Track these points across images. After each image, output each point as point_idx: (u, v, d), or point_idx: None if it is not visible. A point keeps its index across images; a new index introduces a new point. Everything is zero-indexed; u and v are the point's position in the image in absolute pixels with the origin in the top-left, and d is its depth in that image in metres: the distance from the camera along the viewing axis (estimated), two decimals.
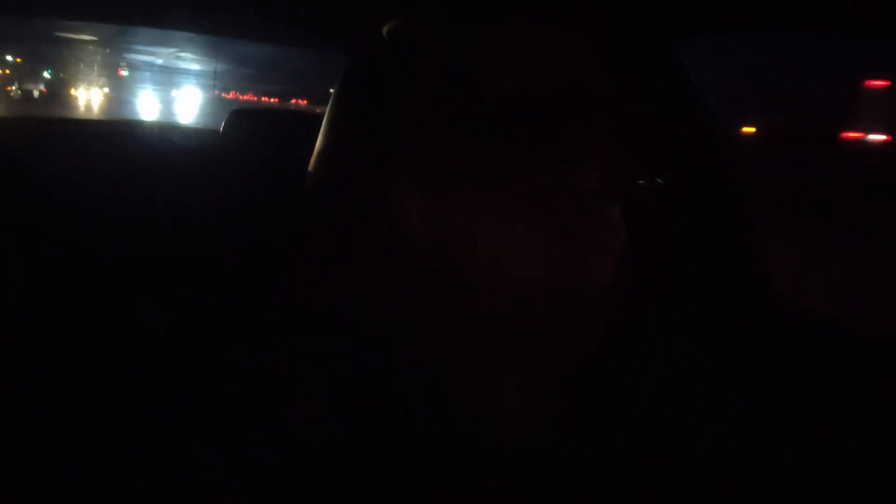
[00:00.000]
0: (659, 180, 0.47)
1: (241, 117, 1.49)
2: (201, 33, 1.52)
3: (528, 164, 0.42)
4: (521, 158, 0.42)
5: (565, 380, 0.48)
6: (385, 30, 0.57)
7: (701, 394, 0.50)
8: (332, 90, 0.63)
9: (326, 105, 0.61)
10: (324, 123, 0.62)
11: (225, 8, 1.19)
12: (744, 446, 0.49)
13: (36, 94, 18.89)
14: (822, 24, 0.72)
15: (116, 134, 1.65)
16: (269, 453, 0.45)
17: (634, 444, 0.47)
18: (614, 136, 0.44)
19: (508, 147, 0.43)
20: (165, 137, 1.81)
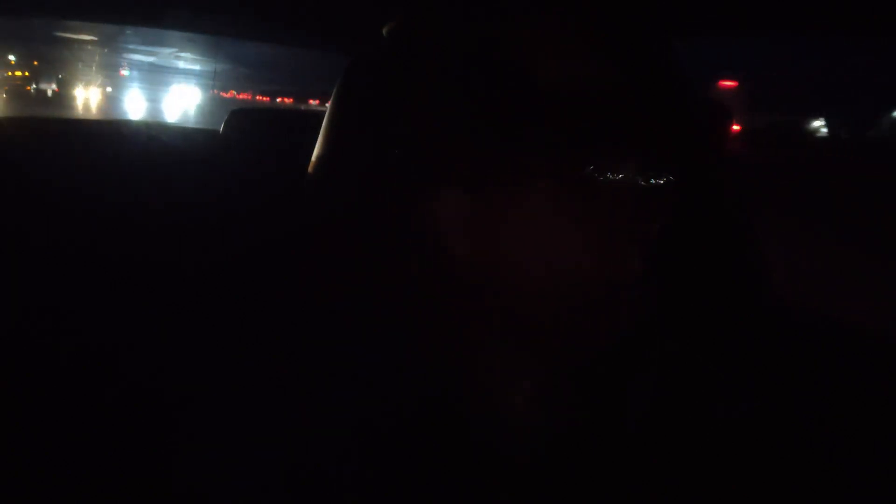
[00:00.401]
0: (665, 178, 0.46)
1: (241, 117, 1.49)
2: (201, 33, 1.52)
3: (562, 161, 0.42)
4: (555, 155, 0.42)
5: (570, 380, 0.48)
6: (385, 30, 0.57)
7: (701, 394, 0.50)
8: (329, 88, 0.63)
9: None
10: (324, 124, 0.62)
11: (225, 8, 1.19)
12: (744, 446, 0.49)
13: (49, 93, 21.14)
14: (822, 24, 0.72)
15: (116, 134, 1.65)
16: (270, 454, 0.45)
17: (634, 444, 0.47)
18: (632, 132, 0.44)
19: (542, 144, 0.43)
20: (165, 138, 1.81)
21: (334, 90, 0.60)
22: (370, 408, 0.46)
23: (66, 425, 0.68)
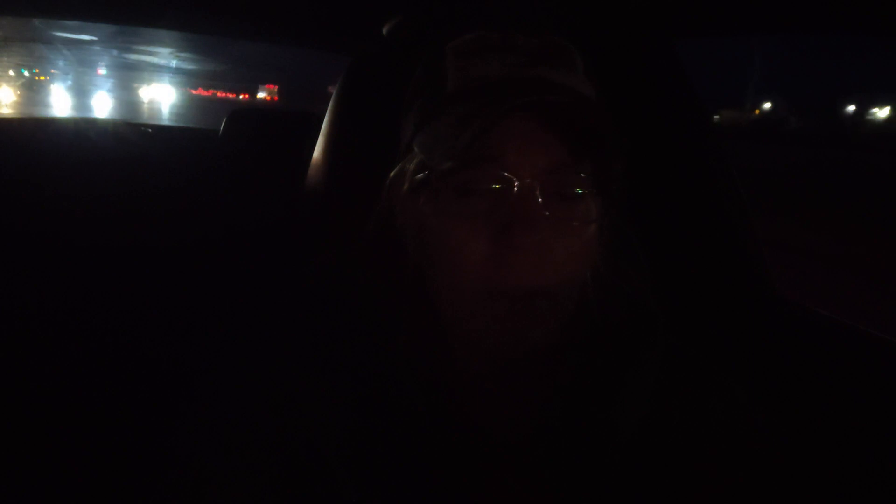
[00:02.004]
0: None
1: (241, 117, 1.49)
2: (201, 34, 1.51)
3: (460, 162, 0.43)
4: (458, 156, 0.42)
5: (557, 376, 0.48)
6: (385, 30, 0.57)
7: (700, 392, 0.50)
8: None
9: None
10: (325, 123, 0.63)
11: (224, 8, 1.19)
12: (744, 445, 0.49)
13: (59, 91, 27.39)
14: (822, 25, 0.72)
15: (114, 134, 1.65)
16: (269, 452, 0.45)
17: (634, 443, 0.47)
18: (565, 134, 0.43)
19: (450, 145, 0.43)
20: (168, 138, 1.80)
21: (335, 90, 0.60)
22: (368, 405, 0.46)
23: (65, 426, 0.67)
